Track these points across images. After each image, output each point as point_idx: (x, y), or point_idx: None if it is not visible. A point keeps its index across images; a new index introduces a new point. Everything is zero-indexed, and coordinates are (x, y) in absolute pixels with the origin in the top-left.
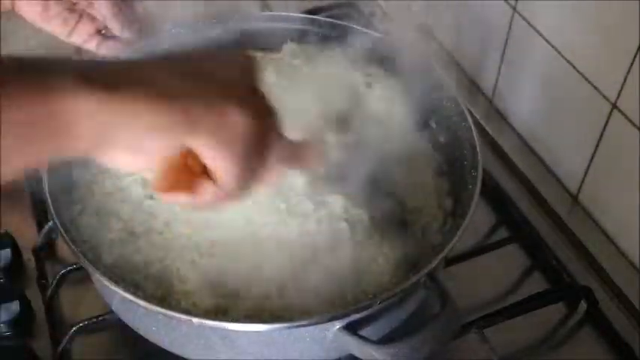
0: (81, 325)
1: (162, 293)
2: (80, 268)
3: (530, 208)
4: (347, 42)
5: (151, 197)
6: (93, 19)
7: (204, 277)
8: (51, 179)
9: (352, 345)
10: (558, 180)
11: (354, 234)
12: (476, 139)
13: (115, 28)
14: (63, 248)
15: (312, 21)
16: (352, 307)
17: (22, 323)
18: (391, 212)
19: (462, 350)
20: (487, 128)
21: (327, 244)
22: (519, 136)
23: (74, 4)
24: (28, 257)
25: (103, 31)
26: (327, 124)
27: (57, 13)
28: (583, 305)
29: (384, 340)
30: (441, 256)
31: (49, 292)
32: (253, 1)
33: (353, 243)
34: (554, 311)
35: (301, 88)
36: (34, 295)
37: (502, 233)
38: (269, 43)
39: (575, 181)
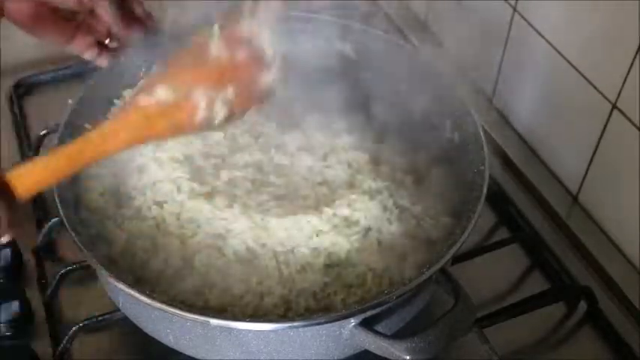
0: (81, 325)
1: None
2: (80, 268)
3: (530, 208)
4: (347, 41)
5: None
6: (93, 29)
7: (204, 275)
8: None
9: (368, 340)
10: (558, 180)
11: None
12: (482, 137)
13: (119, 31)
14: (63, 248)
15: (313, 20)
16: (368, 303)
17: (22, 323)
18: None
19: (462, 350)
20: (487, 128)
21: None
22: (519, 136)
23: (73, 13)
24: (28, 257)
25: (107, 42)
26: None
27: (50, 21)
28: (583, 305)
29: (400, 335)
30: (453, 249)
31: (48, 291)
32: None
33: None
34: (554, 311)
35: None
36: (34, 295)
37: (502, 233)
38: None
39: (575, 181)
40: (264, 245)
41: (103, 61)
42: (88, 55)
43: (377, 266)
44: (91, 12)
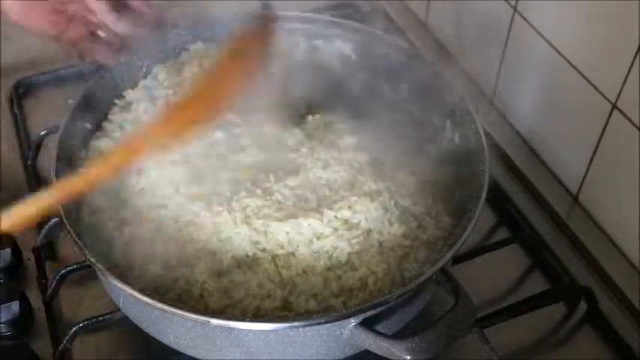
0: (81, 325)
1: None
2: (80, 268)
3: (530, 208)
4: (347, 41)
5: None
6: (85, 21)
7: (203, 280)
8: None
9: (368, 341)
10: (558, 180)
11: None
12: (482, 137)
13: (109, 20)
14: (63, 248)
15: (313, 20)
16: (368, 303)
17: (22, 323)
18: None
19: (462, 350)
20: (487, 128)
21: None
22: (519, 136)
23: (63, 3)
24: (28, 257)
25: (100, 33)
26: None
27: (43, 13)
28: (583, 305)
29: (400, 335)
30: (453, 249)
31: (49, 292)
32: (253, 0)
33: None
34: (554, 311)
35: None
36: (34, 295)
37: (502, 233)
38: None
39: (575, 181)
40: (264, 249)
41: (91, 54)
42: (79, 47)
43: (378, 269)
44: (82, 2)
